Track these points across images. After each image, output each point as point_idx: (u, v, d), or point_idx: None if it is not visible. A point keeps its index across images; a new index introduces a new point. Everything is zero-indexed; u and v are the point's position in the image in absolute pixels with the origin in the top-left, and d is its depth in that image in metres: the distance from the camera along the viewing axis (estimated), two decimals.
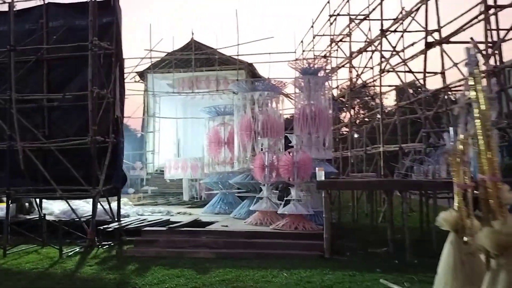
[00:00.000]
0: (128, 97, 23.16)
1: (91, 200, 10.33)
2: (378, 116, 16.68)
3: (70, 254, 8.81)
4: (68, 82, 10.85)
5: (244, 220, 10.42)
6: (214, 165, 12.80)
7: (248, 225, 9.88)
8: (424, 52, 10.42)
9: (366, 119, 19.58)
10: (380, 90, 12.71)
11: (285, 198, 9.64)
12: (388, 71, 12.60)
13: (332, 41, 16.90)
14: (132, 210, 12.14)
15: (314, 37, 18.66)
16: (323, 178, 8.25)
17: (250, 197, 11.26)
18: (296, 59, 10.70)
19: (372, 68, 15.91)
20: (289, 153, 9.54)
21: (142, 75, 23.17)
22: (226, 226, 9.65)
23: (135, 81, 23.31)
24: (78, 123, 10.72)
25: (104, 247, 9.37)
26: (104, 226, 9.58)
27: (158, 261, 8.00)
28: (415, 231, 10.51)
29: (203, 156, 16.29)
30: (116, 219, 10.59)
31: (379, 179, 9.62)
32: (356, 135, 16.06)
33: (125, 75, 22.69)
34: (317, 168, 8.41)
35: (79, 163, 10.33)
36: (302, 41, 20.52)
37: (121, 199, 13.89)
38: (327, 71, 10.81)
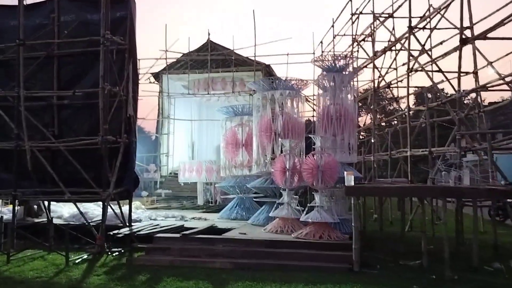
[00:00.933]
0: (142, 98, 22.71)
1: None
2: (395, 120, 15.86)
3: (77, 261, 8.16)
4: (79, 79, 10.26)
5: (263, 227, 9.67)
6: (231, 168, 12.09)
7: (268, 233, 9.13)
8: (458, 48, 9.59)
9: (384, 124, 18.76)
10: (408, 90, 11.86)
11: (308, 205, 8.88)
12: (416, 71, 11.77)
13: (354, 40, 16.10)
14: (145, 215, 11.48)
15: (334, 37, 17.89)
16: (352, 183, 7.48)
17: (268, 203, 10.52)
18: (321, 55, 9.90)
19: (395, 69, 15.08)
20: (313, 155, 8.77)
21: (157, 76, 22.61)
22: (244, 233, 8.92)
23: (150, 82, 22.78)
24: (89, 122, 10.12)
25: (114, 254, 8.71)
26: (114, 232, 8.92)
27: (171, 271, 7.31)
28: (450, 243, 9.67)
29: (218, 159, 15.67)
30: (127, 224, 9.95)
31: (414, 185, 8.77)
32: (372, 140, 15.21)
33: (140, 76, 22.39)
34: (345, 172, 7.63)
35: (89, 164, 9.72)
36: (321, 42, 19.77)
37: (133, 203, 13.34)
38: (353, 68, 10.02)
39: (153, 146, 22.87)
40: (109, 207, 9.74)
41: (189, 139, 23.88)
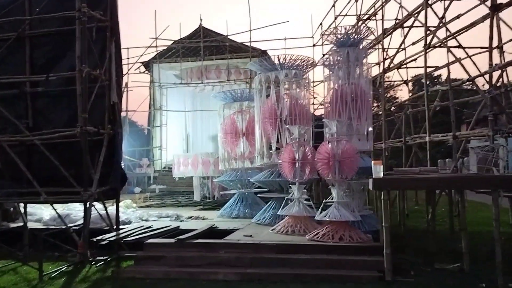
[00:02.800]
0: (133, 89, 21.29)
1: None
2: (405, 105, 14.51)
3: (53, 275, 6.77)
4: (55, 63, 8.76)
5: (271, 227, 8.32)
6: (231, 161, 10.69)
7: (277, 234, 7.78)
8: (489, 17, 8.25)
9: (393, 108, 17.36)
10: (425, 70, 10.47)
11: (324, 201, 7.52)
12: (435, 47, 10.41)
13: (358, 19, 14.67)
14: (135, 215, 10.07)
15: (336, 18, 16.43)
16: (381, 175, 6.13)
17: (275, 198, 9.16)
18: (335, 28, 8.47)
19: (404, 49, 13.69)
20: (328, 143, 7.40)
21: (147, 65, 21.08)
22: (251, 235, 7.56)
23: (140, 72, 21.23)
24: (69, 112, 8.60)
25: (98, 264, 7.33)
26: (97, 238, 7.54)
27: (166, 285, 5.99)
28: (482, 240, 8.42)
29: (216, 152, 14.27)
30: (114, 227, 8.57)
31: (456, 174, 7.42)
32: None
33: (129, 66, 20.92)
34: (372, 162, 6.28)
35: (70, 160, 8.29)
36: (321, 24, 18.28)
37: (123, 201, 11.94)
38: (370, 41, 8.62)
39: (146, 139, 21.37)
40: (93, 208, 8.46)
41: (184, 131, 22.44)
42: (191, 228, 8.37)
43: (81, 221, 8.98)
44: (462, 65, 9.29)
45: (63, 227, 8.05)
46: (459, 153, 9.91)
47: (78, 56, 7.95)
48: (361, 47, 8.54)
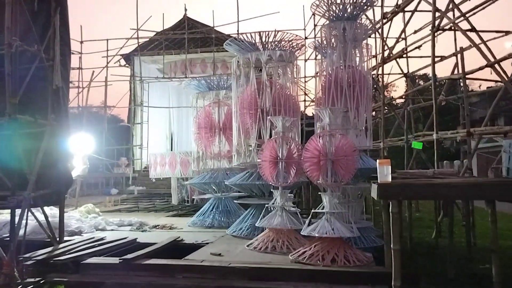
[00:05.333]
0: (112, 83, 19.47)
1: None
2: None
3: None
4: None
5: (248, 240, 6.61)
6: (205, 160, 8.98)
7: (254, 252, 6.08)
8: None
9: (395, 102, 15.73)
10: (433, 55, 8.81)
11: (312, 211, 5.83)
12: (444, 30, 8.79)
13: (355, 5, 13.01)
14: (91, 223, 8.33)
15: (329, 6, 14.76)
16: (389, 179, 4.45)
17: (255, 206, 7.47)
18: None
19: (405, 38, 12.07)
20: (319, 137, 5.72)
21: (128, 58, 19.35)
22: (219, 254, 5.85)
23: (120, 65, 19.47)
24: (3, 98, 6.92)
25: None
26: (23, 256, 5.81)
27: None
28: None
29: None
30: (57, 239, 6.85)
31: (492, 180, 5.71)
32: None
33: (109, 59, 19.21)
34: (378, 161, 4.60)
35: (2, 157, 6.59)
36: (314, 14, 16.59)
37: (84, 205, 10.23)
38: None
39: (125, 137, 19.60)
40: (33, 215, 6.75)
41: (167, 130, 20.74)
42: (151, 242, 6.68)
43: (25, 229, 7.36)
44: (480, 50, 7.65)
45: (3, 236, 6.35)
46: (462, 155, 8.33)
47: (7, 27, 6.21)
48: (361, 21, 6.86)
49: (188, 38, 18.21)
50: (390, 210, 4.41)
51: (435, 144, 8.51)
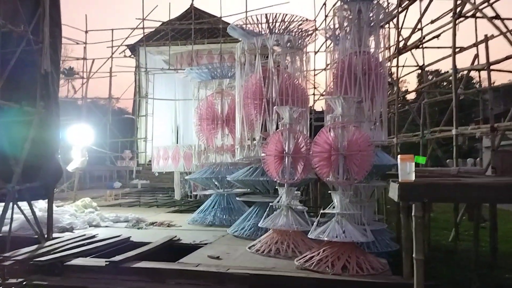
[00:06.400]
0: (116, 74, 18.95)
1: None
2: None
3: None
4: None
5: (251, 242, 6.01)
6: (207, 153, 8.39)
7: (256, 255, 5.48)
8: None
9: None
10: (454, 44, 8.09)
11: (320, 211, 5.22)
12: (466, 17, 8.08)
13: None
14: (85, 218, 7.79)
15: None
16: (413, 177, 3.81)
17: (259, 203, 6.86)
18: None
19: (421, 29, 11.33)
20: (329, 129, 5.09)
21: (133, 49, 18.81)
22: (217, 257, 5.26)
23: (125, 56, 18.94)
24: None
25: None
26: (3, 255, 5.27)
27: None
28: None
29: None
30: (45, 236, 6.33)
31: None
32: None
33: (114, 49, 18.68)
34: (399, 157, 3.96)
35: None
36: (325, 4, 15.90)
37: (81, 199, 9.72)
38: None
39: (130, 129, 19.09)
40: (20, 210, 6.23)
41: (173, 122, 20.16)
42: (145, 241, 6.12)
43: (13, 225, 6.86)
44: (507, 38, 6.95)
45: None
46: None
47: None
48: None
49: (195, 29, 17.63)
50: (413, 214, 3.77)
51: (454, 140, 7.83)
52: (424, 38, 10.24)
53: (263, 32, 6.84)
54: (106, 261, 4.84)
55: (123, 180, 17.70)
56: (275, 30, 6.74)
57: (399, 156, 3.98)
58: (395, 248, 5.91)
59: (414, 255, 3.75)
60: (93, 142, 13.99)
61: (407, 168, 3.80)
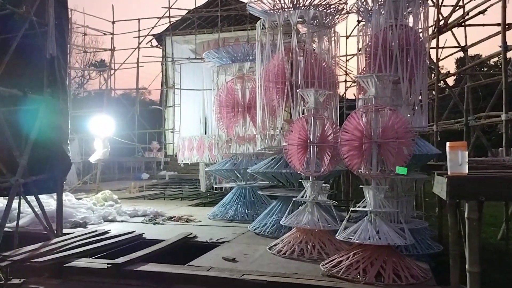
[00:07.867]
0: (144, 65, 18.65)
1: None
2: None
3: None
4: None
5: (272, 240, 5.35)
6: (228, 144, 7.77)
7: (277, 257, 4.82)
8: None
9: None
10: (503, 21, 7.09)
11: (351, 208, 4.49)
12: None
13: None
14: (101, 212, 7.37)
15: None
16: (465, 169, 3.04)
17: (282, 198, 6.18)
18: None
19: (463, 6, 10.23)
20: (361, 114, 4.33)
21: (159, 38, 18.39)
22: (233, 259, 4.64)
23: (152, 46, 18.55)
24: None
25: None
26: (3, 254, 4.84)
27: None
28: None
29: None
30: (56, 232, 5.89)
31: None
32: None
33: (140, 39, 18.30)
34: (448, 145, 3.18)
35: None
36: None
37: (102, 192, 9.34)
38: None
39: (158, 120, 18.75)
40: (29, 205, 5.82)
41: (201, 113, 19.69)
42: (159, 239, 5.59)
43: (25, 219, 6.53)
44: None
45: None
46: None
47: None
48: None
49: (222, 16, 16.99)
50: (465, 216, 3.00)
51: (504, 126, 6.85)
52: (467, 14, 9.17)
53: (285, 7, 6.08)
54: (107, 263, 4.30)
55: (151, 171, 17.43)
56: (299, 4, 5.98)
57: (448, 144, 3.20)
58: (438, 250, 5.11)
59: (467, 267, 2.99)
60: (120, 133, 13.67)
61: (458, 158, 3.03)
